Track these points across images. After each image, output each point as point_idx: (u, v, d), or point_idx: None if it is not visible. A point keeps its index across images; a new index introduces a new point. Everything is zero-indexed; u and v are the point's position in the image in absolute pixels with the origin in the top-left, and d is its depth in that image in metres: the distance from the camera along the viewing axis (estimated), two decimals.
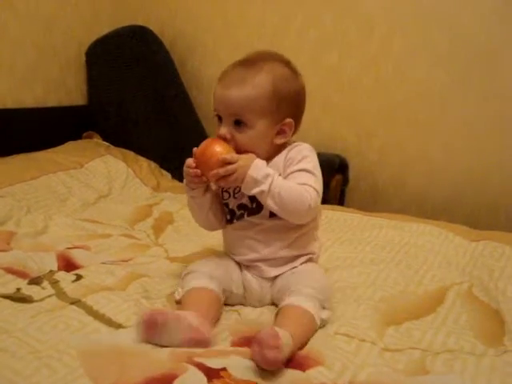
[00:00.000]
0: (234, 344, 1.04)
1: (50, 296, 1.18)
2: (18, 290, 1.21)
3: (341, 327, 1.11)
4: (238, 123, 1.16)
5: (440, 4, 2.17)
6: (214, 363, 0.93)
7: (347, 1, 2.34)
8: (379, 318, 1.17)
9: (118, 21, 2.66)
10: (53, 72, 2.48)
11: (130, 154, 2.44)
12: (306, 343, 1.04)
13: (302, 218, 1.18)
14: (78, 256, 1.45)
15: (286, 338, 0.94)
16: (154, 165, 2.45)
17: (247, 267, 1.25)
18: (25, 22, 2.33)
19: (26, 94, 2.37)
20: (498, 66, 2.08)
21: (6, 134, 2.24)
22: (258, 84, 1.15)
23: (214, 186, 1.25)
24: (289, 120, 1.19)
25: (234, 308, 1.21)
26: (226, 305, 1.21)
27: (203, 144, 1.17)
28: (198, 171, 1.16)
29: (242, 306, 1.23)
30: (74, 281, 1.26)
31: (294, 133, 1.23)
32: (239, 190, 1.20)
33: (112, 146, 2.47)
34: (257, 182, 1.12)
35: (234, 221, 1.25)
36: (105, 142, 2.52)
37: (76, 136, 2.52)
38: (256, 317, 1.17)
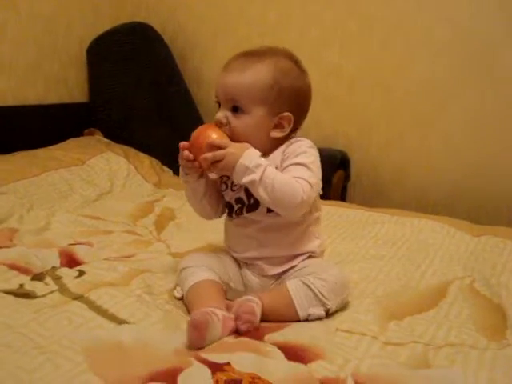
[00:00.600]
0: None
1: (52, 292, 1.19)
2: (21, 285, 1.22)
3: (342, 323, 1.12)
4: (236, 109, 1.16)
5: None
6: (217, 358, 0.94)
7: None
8: (381, 312, 1.18)
9: (119, 18, 2.67)
10: (54, 69, 2.48)
11: (132, 150, 2.44)
12: (274, 320, 1.10)
13: (294, 211, 1.14)
14: (80, 252, 1.45)
15: (258, 311, 1.08)
16: (155, 161, 2.45)
17: (247, 265, 1.24)
18: (26, 20, 2.33)
19: (28, 91, 2.37)
20: (500, 61, 2.08)
21: (8, 132, 2.24)
22: (258, 71, 1.15)
23: (212, 176, 1.23)
24: (287, 114, 1.17)
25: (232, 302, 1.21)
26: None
27: (198, 128, 1.18)
28: (190, 155, 1.15)
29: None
30: (76, 277, 1.27)
31: (293, 130, 1.21)
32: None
33: (113, 143, 2.48)
34: (248, 171, 1.10)
35: (233, 215, 1.24)
36: (106, 139, 2.52)
37: (77, 133, 2.52)
38: None
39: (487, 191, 2.18)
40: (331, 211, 1.91)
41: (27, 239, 1.55)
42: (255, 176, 1.10)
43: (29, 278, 1.26)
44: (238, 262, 1.26)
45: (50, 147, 2.29)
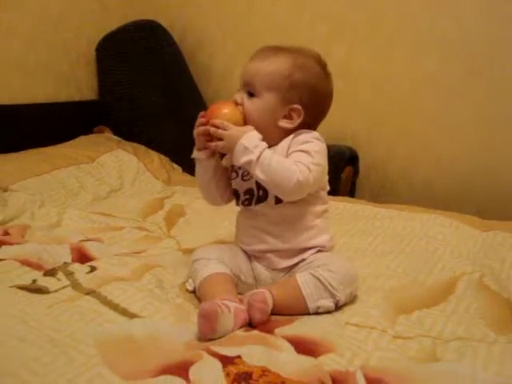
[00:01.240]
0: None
1: (65, 287, 1.20)
2: (34, 281, 1.23)
3: (352, 317, 1.12)
4: (251, 94, 1.22)
5: None
6: (228, 351, 0.95)
7: None
8: (390, 306, 1.18)
9: (128, 16, 2.68)
10: (64, 68, 2.49)
11: (141, 147, 2.45)
12: (284, 313, 1.12)
13: (291, 192, 1.16)
14: (91, 248, 1.47)
15: (270, 300, 1.10)
16: (164, 158, 2.47)
17: (257, 258, 1.26)
18: (35, 19, 2.35)
19: (38, 89, 2.39)
20: (508, 57, 2.08)
21: (19, 130, 2.26)
22: (276, 61, 1.21)
23: (224, 162, 1.29)
24: (297, 106, 1.20)
25: (241, 296, 1.21)
26: None
27: (216, 102, 1.25)
28: (206, 128, 1.20)
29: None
30: (88, 272, 1.28)
31: (304, 126, 1.23)
32: (248, 173, 1.22)
33: (123, 141, 2.49)
34: (246, 151, 1.14)
35: (240, 205, 1.27)
36: (116, 137, 2.53)
37: (87, 131, 2.53)
38: None
39: (495, 187, 2.17)
40: (340, 207, 1.92)
41: (39, 236, 1.57)
42: (253, 156, 1.14)
43: (41, 273, 1.27)
44: (249, 256, 1.28)
45: (60, 145, 2.31)
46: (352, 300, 1.20)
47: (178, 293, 1.21)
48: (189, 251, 1.48)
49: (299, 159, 1.16)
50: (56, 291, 1.18)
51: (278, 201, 1.20)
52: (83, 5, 2.55)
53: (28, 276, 1.26)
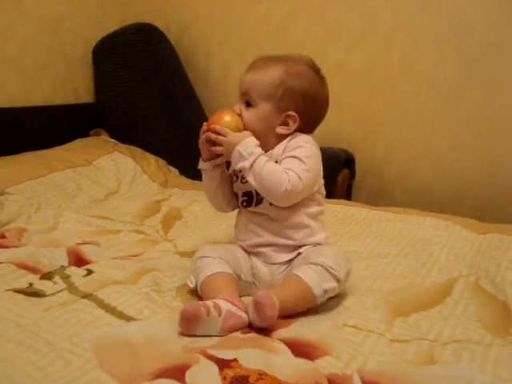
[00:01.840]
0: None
1: (61, 290, 1.20)
2: (31, 284, 1.23)
3: (349, 319, 1.13)
4: (248, 104, 1.27)
5: None
6: (225, 354, 0.95)
7: None
8: (387, 309, 1.19)
9: (125, 19, 2.68)
10: (60, 70, 2.49)
11: (138, 150, 2.45)
12: (294, 310, 1.12)
13: (279, 199, 1.22)
14: (88, 251, 1.47)
15: (275, 297, 1.07)
16: (161, 161, 2.46)
17: (255, 254, 1.28)
18: (33, 22, 2.35)
19: (35, 92, 2.39)
20: (505, 58, 2.08)
21: (15, 132, 2.26)
22: (269, 71, 1.26)
23: (230, 169, 1.33)
24: (292, 113, 1.25)
25: (241, 299, 1.22)
26: None
27: (217, 111, 1.29)
28: (209, 135, 1.25)
29: (247, 297, 1.22)
30: (85, 275, 1.28)
31: (300, 130, 1.27)
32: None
33: (120, 143, 2.49)
34: (241, 157, 1.20)
35: (240, 206, 1.32)
36: (112, 139, 2.53)
37: (84, 133, 2.53)
38: None
39: (493, 190, 2.18)
40: (336, 210, 1.92)
41: (35, 239, 1.57)
42: (246, 163, 1.20)
43: (38, 277, 1.27)
44: (247, 252, 1.30)
45: (57, 148, 2.31)
46: (350, 303, 1.20)
47: (175, 296, 1.21)
48: (186, 254, 1.48)
49: (291, 166, 1.21)
50: (52, 295, 1.18)
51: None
52: (80, 8, 2.55)
53: (24, 279, 1.25)
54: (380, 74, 2.34)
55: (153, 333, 1.03)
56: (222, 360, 0.93)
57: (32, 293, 1.19)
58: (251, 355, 0.95)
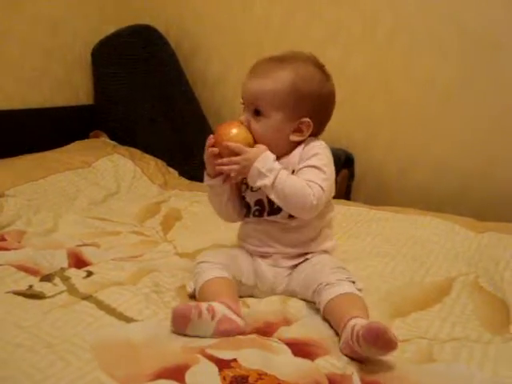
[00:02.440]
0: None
1: (61, 292, 1.20)
2: (31, 286, 1.23)
3: None
4: (257, 113, 1.20)
5: None
6: (225, 355, 0.95)
7: None
8: (387, 309, 1.19)
9: (124, 20, 2.68)
10: (59, 72, 2.50)
11: (137, 152, 2.45)
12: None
13: (305, 214, 1.19)
14: (88, 253, 1.47)
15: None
16: (160, 163, 2.47)
17: (261, 257, 1.27)
18: (31, 23, 2.36)
19: (34, 94, 2.39)
20: (504, 60, 2.08)
21: (14, 135, 2.27)
22: (279, 78, 1.19)
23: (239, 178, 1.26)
24: (306, 120, 1.20)
25: (241, 300, 1.22)
26: None
27: (223, 124, 1.22)
28: (216, 150, 1.19)
29: (248, 298, 1.24)
30: (84, 277, 1.28)
31: (314, 134, 1.24)
32: None
33: (119, 145, 2.49)
34: (260, 175, 1.15)
35: (250, 216, 1.27)
36: (112, 141, 2.54)
37: (83, 135, 2.54)
38: (264, 308, 1.18)
39: (492, 190, 2.18)
40: (335, 209, 1.89)
41: (35, 241, 1.57)
42: (267, 181, 1.15)
43: (37, 279, 1.27)
44: (251, 254, 1.28)
45: (56, 150, 2.31)
46: None
47: (175, 297, 1.21)
48: (185, 255, 1.48)
49: (312, 178, 1.17)
50: (52, 296, 1.18)
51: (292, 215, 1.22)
52: (79, 9, 2.55)
53: (24, 281, 1.26)
54: (379, 74, 2.34)
55: (153, 333, 1.03)
56: (222, 360, 0.93)
57: (32, 295, 1.19)
58: (251, 355, 0.95)
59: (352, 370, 0.95)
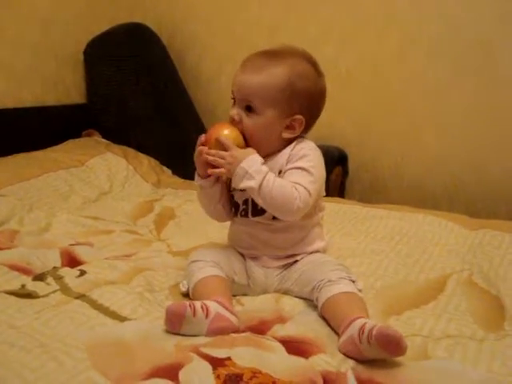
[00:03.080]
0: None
1: (54, 291, 1.20)
2: (23, 286, 1.23)
3: None
4: (249, 108, 1.18)
5: None
6: (218, 353, 0.95)
7: None
8: (381, 307, 1.19)
9: (116, 18, 2.67)
10: (51, 71, 2.48)
11: (130, 151, 2.44)
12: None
13: (290, 217, 1.18)
14: (81, 252, 1.47)
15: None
16: (154, 161, 2.46)
17: (252, 258, 1.27)
18: (22, 22, 2.34)
19: (25, 93, 2.38)
20: (495, 55, 2.09)
21: (6, 134, 2.25)
22: (274, 74, 1.17)
23: (224, 177, 1.25)
24: (299, 117, 1.19)
25: (235, 298, 1.22)
26: None
27: (215, 124, 1.21)
28: (205, 148, 1.17)
29: (242, 296, 1.24)
30: (78, 276, 1.28)
31: (304, 131, 1.24)
32: None
33: (112, 144, 2.48)
34: (246, 175, 1.13)
35: (238, 215, 1.26)
36: (105, 140, 2.53)
37: (76, 134, 2.52)
38: (258, 306, 1.18)
39: (485, 186, 2.18)
40: (329, 207, 1.90)
41: (28, 240, 1.56)
42: (253, 183, 1.13)
43: (30, 278, 1.27)
44: (243, 255, 1.28)
45: (49, 149, 2.30)
46: None
47: (168, 295, 1.21)
48: (179, 254, 1.48)
49: (299, 180, 1.15)
50: (45, 296, 1.18)
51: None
52: (70, 7, 2.54)
53: (17, 281, 1.25)
54: (372, 71, 2.34)
55: (146, 332, 1.02)
56: (216, 358, 0.93)
57: (25, 294, 1.18)
58: (245, 353, 0.95)
59: (346, 368, 0.95)
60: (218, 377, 0.88)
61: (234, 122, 1.19)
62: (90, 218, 1.78)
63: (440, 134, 2.25)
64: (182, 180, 2.40)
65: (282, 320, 1.11)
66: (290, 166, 1.19)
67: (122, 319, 1.07)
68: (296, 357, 0.97)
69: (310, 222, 1.25)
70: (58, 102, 2.52)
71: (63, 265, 1.38)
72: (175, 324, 1.02)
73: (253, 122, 1.18)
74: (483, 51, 2.10)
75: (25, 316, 1.07)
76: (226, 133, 1.17)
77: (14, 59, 2.32)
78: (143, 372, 0.89)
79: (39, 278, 1.27)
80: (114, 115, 2.58)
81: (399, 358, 0.97)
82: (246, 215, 1.25)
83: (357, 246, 1.56)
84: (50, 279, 1.26)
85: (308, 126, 1.24)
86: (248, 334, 1.04)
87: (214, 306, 1.05)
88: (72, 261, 1.41)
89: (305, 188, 1.15)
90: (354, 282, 1.15)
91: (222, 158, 1.14)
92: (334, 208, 1.92)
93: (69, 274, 1.28)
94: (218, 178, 1.23)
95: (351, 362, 0.97)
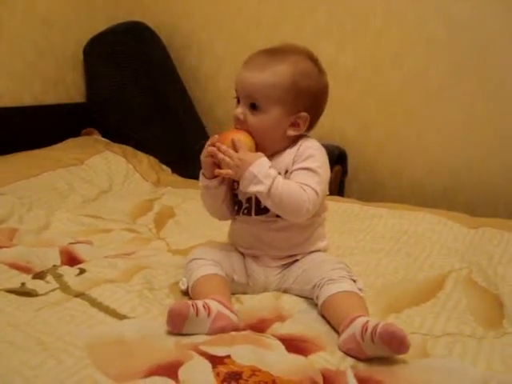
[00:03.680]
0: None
1: (54, 290, 1.20)
2: (23, 284, 1.22)
3: None
4: (254, 106, 1.18)
5: None
6: (218, 351, 0.95)
7: None
8: (380, 305, 1.19)
9: (115, 17, 2.67)
10: (51, 70, 2.48)
11: (130, 149, 2.44)
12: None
13: (299, 218, 1.18)
14: (80, 251, 1.46)
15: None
16: (153, 160, 2.46)
17: (252, 257, 1.27)
18: (22, 21, 2.34)
19: (25, 92, 2.38)
20: (495, 54, 2.09)
21: (6, 133, 2.25)
22: (278, 72, 1.16)
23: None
24: (304, 114, 1.19)
25: (234, 296, 1.22)
26: None
27: (228, 130, 1.20)
28: (214, 148, 1.16)
29: (241, 295, 1.24)
30: (77, 275, 1.28)
31: (308, 129, 1.24)
32: None
33: (111, 142, 2.48)
34: (255, 179, 1.13)
35: (240, 213, 1.26)
36: (104, 139, 2.53)
37: (75, 133, 2.52)
38: (257, 304, 1.18)
39: (484, 185, 2.19)
40: (329, 206, 1.90)
41: (27, 239, 1.56)
42: (262, 188, 1.12)
43: (30, 276, 1.27)
44: (243, 254, 1.28)
45: (49, 147, 2.30)
46: None
47: (168, 293, 1.21)
48: (178, 252, 1.48)
49: (307, 181, 1.15)
50: (45, 294, 1.18)
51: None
52: (70, 6, 2.54)
53: (17, 279, 1.25)
54: (371, 70, 2.34)
55: (146, 330, 1.02)
56: (215, 356, 0.93)
57: (24, 292, 1.18)
58: (244, 351, 0.95)
59: (346, 366, 0.95)
60: (217, 375, 0.88)
61: (238, 122, 1.19)
62: (90, 217, 1.78)
63: (440, 134, 2.25)
64: (182, 179, 2.40)
65: (281, 318, 1.11)
66: (296, 166, 1.19)
67: (122, 317, 1.07)
68: (295, 355, 0.97)
69: (313, 222, 1.25)
70: (58, 100, 2.52)
71: (63, 263, 1.38)
72: (178, 325, 1.01)
73: (258, 120, 1.18)
74: (484, 50, 2.10)
75: (24, 314, 1.07)
76: (241, 137, 1.16)
77: (13, 58, 2.32)
78: (143, 370, 0.89)
79: (39, 276, 1.27)
80: (114, 114, 2.58)
81: (399, 356, 0.97)
82: (248, 213, 1.24)
83: (356, 245, 1.57)
84: (49, 277, 1.26)
85: (312, 124, 1.24)
86: (248, 332, 1.04)
87: (214, 305, 1.05)
88: (71, 259, 1.41)
89: (313, 189, 1.15)
90: (354, 281, 1.16)
91: (230, 157, 1.14)
92: (333, 207, 1.91)
93: (68, 273, 1.28)
94: (223, 179, 1.22)
95: (351, 360, 0.97)
